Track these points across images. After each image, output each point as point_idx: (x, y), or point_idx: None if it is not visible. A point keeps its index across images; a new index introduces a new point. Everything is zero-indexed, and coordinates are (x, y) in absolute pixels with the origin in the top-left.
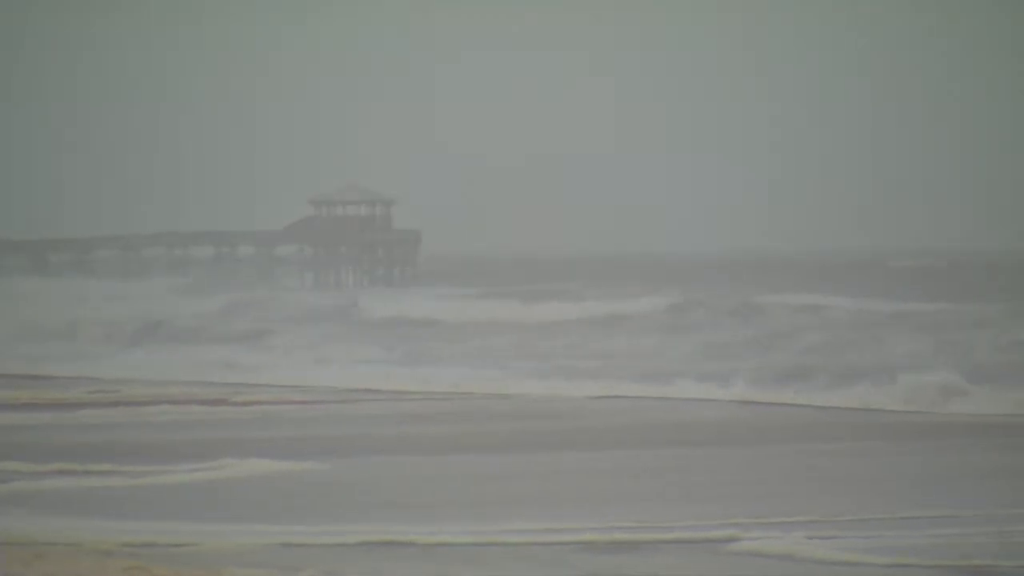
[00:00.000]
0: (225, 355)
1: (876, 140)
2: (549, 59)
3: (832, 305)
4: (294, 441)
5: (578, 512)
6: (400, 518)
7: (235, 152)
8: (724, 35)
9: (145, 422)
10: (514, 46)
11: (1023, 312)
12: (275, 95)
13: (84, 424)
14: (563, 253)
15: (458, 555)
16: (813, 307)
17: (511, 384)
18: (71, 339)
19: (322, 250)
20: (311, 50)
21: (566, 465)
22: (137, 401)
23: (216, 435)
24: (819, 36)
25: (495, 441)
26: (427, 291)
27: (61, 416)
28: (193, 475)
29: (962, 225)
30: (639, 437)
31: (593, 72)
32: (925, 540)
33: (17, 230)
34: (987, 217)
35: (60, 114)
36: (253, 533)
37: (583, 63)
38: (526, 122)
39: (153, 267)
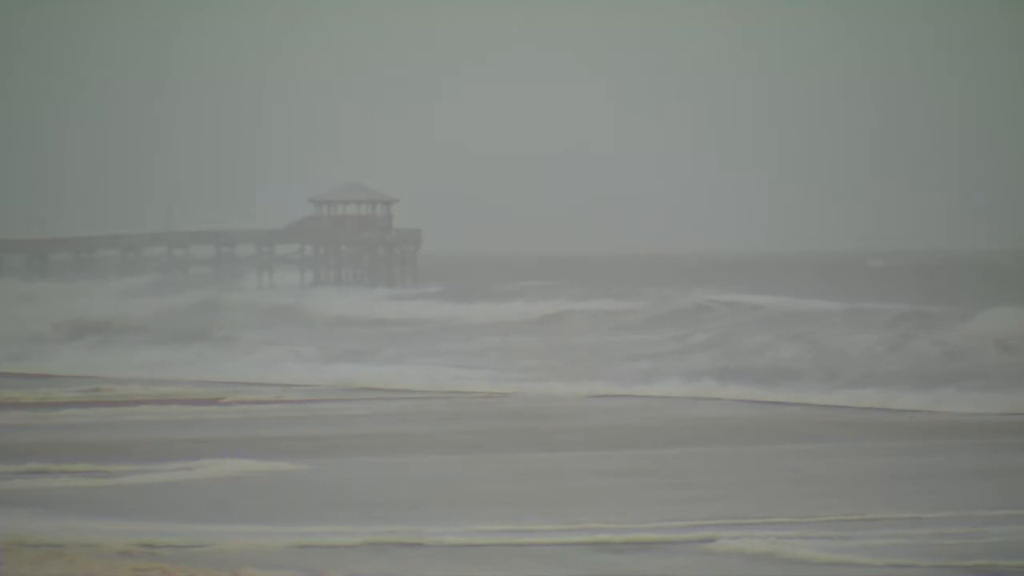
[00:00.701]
0: (203, 354)
1: (876, 140)
2: (550, 59)
3: (818, 308)
4: (291, 441)
5: (578, 512)
6: (405, 518)
7: (235, 152)
8: (724, 35)
9: (137, 421)
10: (515, 46)
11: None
12: (275, 95)
13: (80, 423)
14: (563, 253)
15: (472, 555)
16: (791, 307)
17: (505, 384)
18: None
19: (323, 249)
20: (311, 50)
21: (562, 465)
22: (132, 400)
23: (210, 434)
24: (819, 36)
25: (493, 441)
26: (422, 290)
27: (51, 415)
28: (190, 474)
29: (962, 225)
30: (634, 437)
31: (593, 72)
32: (923, 540)
33: (17, 230)
34: (987, 217)
35: (60, 114)
36: (262, 534)
37: (583, 63)
38: (526, 122)
39: (149, 266)
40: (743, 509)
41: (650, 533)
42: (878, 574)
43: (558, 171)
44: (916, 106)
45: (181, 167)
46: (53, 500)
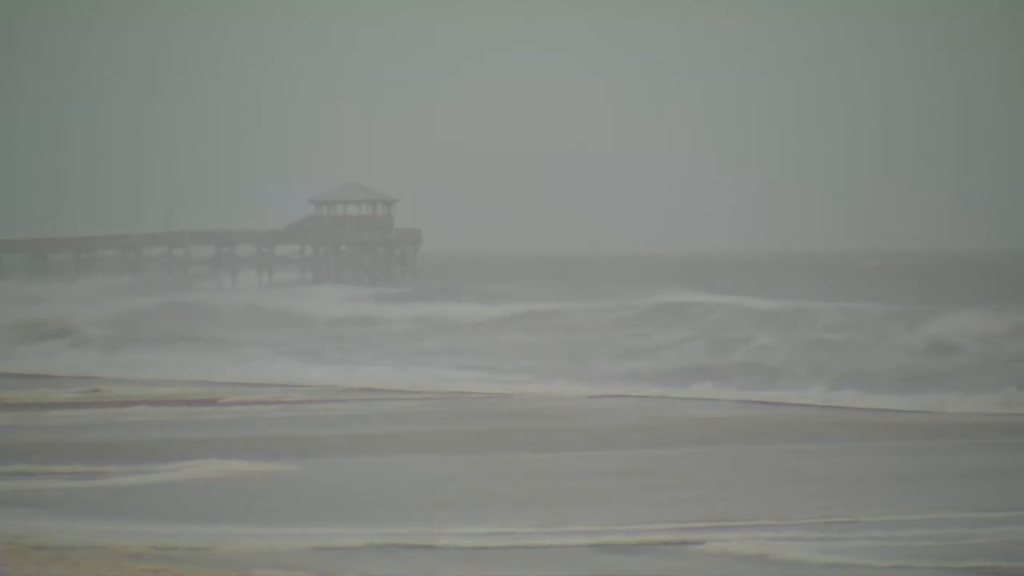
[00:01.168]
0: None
1: (876, 140)
2: (550, 59)
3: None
4: (289, 441)
5: (578, 512)
6: (405, 519)
7: (235, 152)
8: (724, 35)
9: (136, 421)
10: (515, 46)
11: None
12: (275, 95)
13: (79, 424)
14: (563, 253)
15: (472, 555)
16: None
17: (504, 384)
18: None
19: (323, 249)
20: (311, 50)
21: (562, 465)
22: (130, 400)
23: (209, 435)
24: (819, 36)
25: (493, 441)
26: (421, 290)
27: (49, 415)
28: (189, 474)
29: (962, 225)
30: (634, 437)
31: (593, 72)
32: (922, 540)
33: (17, 230)
34: (987, 217)
35: (60, 114)
36: (265, 535)
37: (583, 63)
38: (526, 122)
39: (148, 266)
40: (743, 510)
41: (651, 534)
42: (878, 574)
43: (558, 171)
44: (916, 106)
45: (181, 167)
46: (51, 500)
